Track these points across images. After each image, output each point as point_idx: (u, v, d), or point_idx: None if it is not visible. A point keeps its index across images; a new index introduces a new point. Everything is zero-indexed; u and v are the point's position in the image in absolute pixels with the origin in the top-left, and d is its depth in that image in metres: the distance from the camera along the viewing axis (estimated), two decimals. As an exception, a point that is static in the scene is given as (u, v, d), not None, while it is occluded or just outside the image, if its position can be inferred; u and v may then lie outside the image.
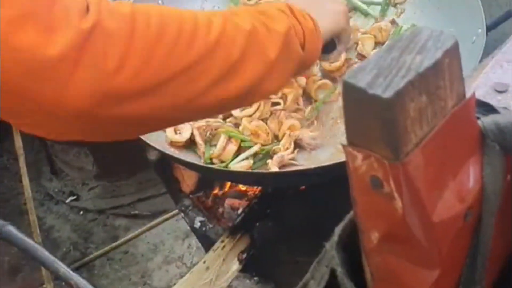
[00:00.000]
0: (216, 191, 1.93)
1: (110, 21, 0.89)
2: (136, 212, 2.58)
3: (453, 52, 0.56)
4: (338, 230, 0.69)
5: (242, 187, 1.89)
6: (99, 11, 0.88)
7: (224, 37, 1.02)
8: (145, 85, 0.92)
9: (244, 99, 1.11)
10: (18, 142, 2.21)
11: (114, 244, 2.49)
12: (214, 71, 1.00)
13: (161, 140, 1.57)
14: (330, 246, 0.68)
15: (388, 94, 0.52)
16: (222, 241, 1.71)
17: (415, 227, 0.58)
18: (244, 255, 1.71)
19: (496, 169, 0.61)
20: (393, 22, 1.71)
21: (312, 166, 1.47)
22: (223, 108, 1.17)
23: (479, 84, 0.67)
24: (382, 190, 0.57)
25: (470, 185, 0.60)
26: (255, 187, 1.80)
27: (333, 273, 0.67)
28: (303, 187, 1.76)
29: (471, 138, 0.60)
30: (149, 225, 2.50)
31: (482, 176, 0.61)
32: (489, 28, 1.53)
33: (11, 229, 1.53)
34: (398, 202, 0.57)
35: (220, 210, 1.90)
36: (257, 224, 1.76)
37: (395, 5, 1.76)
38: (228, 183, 1.91)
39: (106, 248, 2.48)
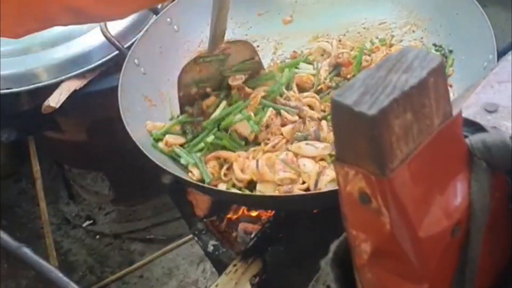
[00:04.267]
0: (229, 215, 1.94)
1: None
2: (152, 236, 2.59)
3: (439, 72, 0.58)
4: (333, 247, 0.70)
5: (255, 211, 1.90)
6: None
7: None
8: None
9: None
10: (36, 166, 2.24)
11: (129, 268, 2.50)
12: None
13: (175, 164, 1.58)
14: (325, 263, 0.70)
15: (373, 111, 0.54)
16: (235, 265, 1.72)
17: (403, 242, 0.59)
18: (257, 279, 1.71)
19: (483, 186, 0.62)
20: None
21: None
22: None
23: (470, 104, 0.68)
24: (370, 205, 0.58)
25: (457, 202, 0.62)
26: (267, 211, 1.82)
27: (329, 290, 0.69)
28: (316, 210, 1.76)
29: (458, 155, 0.62)
30: (164, 249, 2.51)
31: (470, 193, 0.62)
32: (500, 54, 1.53)
33: (27, 251, 1.55)
34: (386, 217, 0.58)
35: (234, 234, 1.91)
36: (270, 248, 1.77)
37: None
38: (242, 207, 1.93)
39: (122, 272, 2.50)
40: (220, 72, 1.64)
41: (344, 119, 0.57)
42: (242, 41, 1.69)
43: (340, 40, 1.79)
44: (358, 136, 0.56)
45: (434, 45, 1.72)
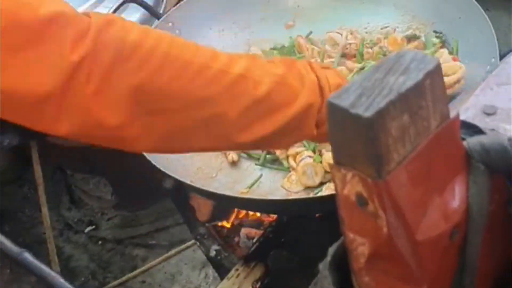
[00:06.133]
0: (232, 219, 1.94)
1: (105, 52, 0.87)
2: (154, 242, 2.59)
3: (436, 74, 0.57)
4: (331, 250, 0.69)
5: (258, 215, 1.90)
6: (95, 40, 0.86)
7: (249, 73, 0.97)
8: None
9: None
10: (38, 172, 2.23)
11: (132, 274, 2.49)
12: (233, 113, 0.96)
13: (177, 168, 1.58)
14: (323, 267, 0.69)
15: (369, 113, 0.54)
16: (237, 270, 1.71)
17: (401, 245, 0.59)
18: (259, 284, 1.71)
19: (482, 188, 0.61)
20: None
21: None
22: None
23: (469, 106, 0.68)
24: (367, 208, 0.58)
25: (455, 204, 0.61)
26: (270, 215, 1.81)
27: (328, 294, 0.68)
28: (318, 215, 1.76)
29: (456, 158, 0.61)
30: (166, 255, 2.50)
31: (468, 196, 0.62)
32: (503, 58, 1.53)
33: (27, 256, 1.54)
34: (383, 220, 0.58)
35: (236, 239, 1.90)
36: (272, 252, 1.76)
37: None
38: (244, 212, 1.92)
39: (124, 278, 2.49)
40: None
41: (340, 121, 0.56)
42: None
43: (352, 33, 1.78)
44: (354, 138, 0.56)
45: (435, 31, 1.72)
